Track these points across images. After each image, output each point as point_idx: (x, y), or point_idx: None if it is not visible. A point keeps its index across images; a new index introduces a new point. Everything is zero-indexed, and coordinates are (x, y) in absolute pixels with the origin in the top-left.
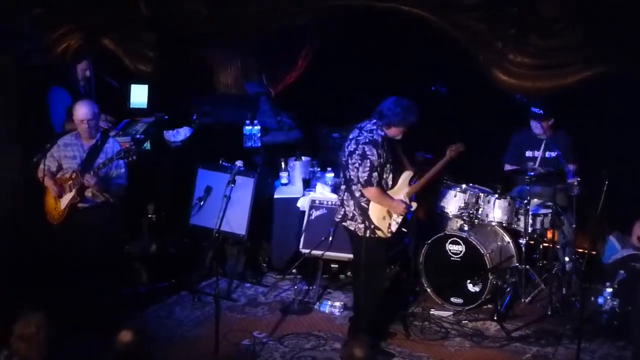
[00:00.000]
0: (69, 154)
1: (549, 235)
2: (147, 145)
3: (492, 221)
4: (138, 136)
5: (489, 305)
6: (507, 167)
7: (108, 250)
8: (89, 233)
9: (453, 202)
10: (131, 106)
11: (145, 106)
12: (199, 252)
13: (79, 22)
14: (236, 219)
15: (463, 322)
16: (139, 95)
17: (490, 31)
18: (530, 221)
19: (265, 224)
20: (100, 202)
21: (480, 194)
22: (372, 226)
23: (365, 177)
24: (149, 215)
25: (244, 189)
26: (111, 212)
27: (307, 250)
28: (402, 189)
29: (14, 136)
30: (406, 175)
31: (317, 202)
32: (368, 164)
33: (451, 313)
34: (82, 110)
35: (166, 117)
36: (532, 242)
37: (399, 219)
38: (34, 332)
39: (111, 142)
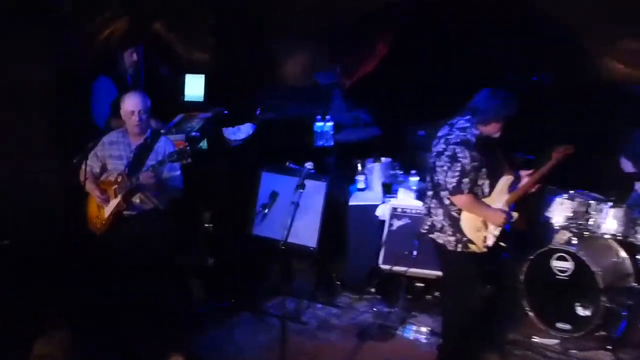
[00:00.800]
0: (115, 154)
1: None
2: (204, 144)
3: (605, 233)
4: (193, 134)
5: (602, 332)
6: (628, 167)
7: (158, 264)
8: (137, 244)
9: (559, 211)
10: (186, 99)
11: (201, 99)
12: (263, 268)
13: (125, 5)
14: (306, 229)
15: (571, 351)
16: (194, 87)
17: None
18: None
19: (339, 235)
20: (149, 209)
21: (591, 201)
22: (465, 239)
23: (454, 183)
24: (206, 225)
25: (315, 195)
26: (162, 220)
27: (387, 266)
28: (500, 197)
29: (52, 134)
30: (505, 181)
31: (399, 210)
32: (458, 168)
33: (557, 341)
34: (132, 100)
35: (225, 111)
36: None
37: (497, 231)
38: (54, 352)
39: (163, 141)
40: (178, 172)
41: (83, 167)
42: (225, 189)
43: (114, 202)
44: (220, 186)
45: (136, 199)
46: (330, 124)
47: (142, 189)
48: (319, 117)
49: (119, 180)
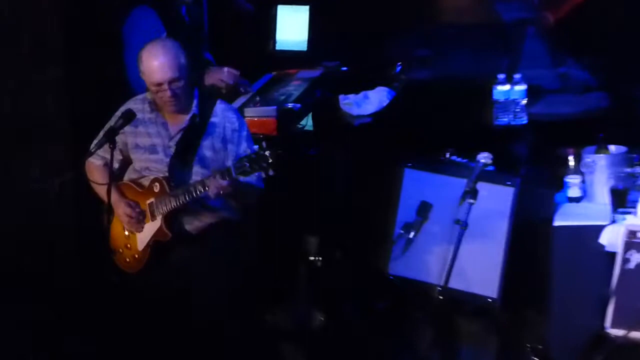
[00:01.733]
0: (143, 141)
1: None
2: (307, 121)
3: None
4: (290, 105)
5: None
6: None
7: (232, 324)
8: (194, 281)
9: None
10: (277, 48)
11: (304, 48)
12: (407, 328)
13: None
14: (479, 268)
15: None
16: (291, 28)
17: None
18: None
19: (536, 277)
20: (212, 224)
21: None
22: None
23: None
24: (311, 258)
25: (495, 209)
26: (234, 242)
27: (620, 331)
28: None
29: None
30: None
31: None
32: None
33: None
34: (156, 61)
35: (344, 67)
36: None
37: None
38: None
39: (221, 114)
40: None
41: (100, 159)
42: (341, 197)
43: (151, 227)
44: (333, 193)
45: (190, 217)
46: (520, 87)
47: (198, 204)
48: (501, 76)
49: (155, 189)
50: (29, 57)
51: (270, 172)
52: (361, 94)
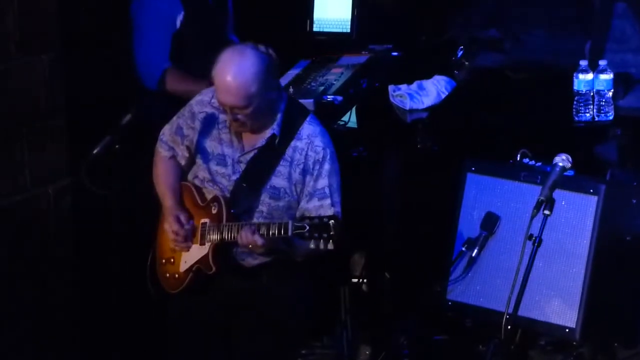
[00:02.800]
0: (212, 145)
1: None
2: (350, 117)
3: None
4: (330, 97)
5: None
6: None
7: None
8: (238, 322)
9: None
10: (315, 29)
11: (347, 29)
12: None
13: None
14: (555, 292)
15: None
16: (332, 5)
17: None
18: None
19: (626, 302)
20: (268, 262)
21: None
22: None
23: None
24: (355, 280)
25: (575, 221)
26: (294, 286)
27: None
28: None
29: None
30: None
31: None
32: None
33: None
34: (222, 79)
35: (394, 52)
36: None
37: None
38: None
39: (307, 138)
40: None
41: (168, 149)
42: (391, 209)
43: (197, 251)
44: (381, 203)
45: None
46: (606, 76)
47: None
48: (583, 62)
49: (213, 209)
50: (15, 39)
51: (330, 246)
52: (415, 84)
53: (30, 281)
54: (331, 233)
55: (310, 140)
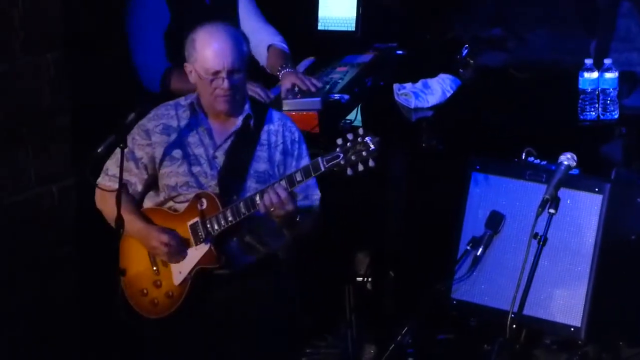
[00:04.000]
0: (180, 152)
1: None
2: (355, 115)
3: None
4: (336, 96)
5: None
6: None
7: None
8: (234, 326)
9: None
10: (320, 28)
11: (352, 27)
12: None
13: None
14: (560, 291)
15: None
16: (337, 3)
17: None
18: None
19: (631, 301)
20: (262, 257)
21: None
22: None
23: None
24: (359, 279)
25: (580, 220)
26: (281, 278)
27: None
28: None
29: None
30: None
31: None
32: None
33: None
34: (215, 45)
35: (399, 51)
36: None
37: None
38: None
39: (277, 120)
40: (315, 187)
41: (116, 180)
42: (396, 207)
43: (193, 254)
44: (386, 201)
45: (237, 243)
46: (611, 75)
47: (251, 227)
48: (588, 61)
49: (201, 206)
50: (19, 39)
51: (371, 163)
52: (420, 83)
53: (33, 280)
54: (371, 148)
55: (282, 122)
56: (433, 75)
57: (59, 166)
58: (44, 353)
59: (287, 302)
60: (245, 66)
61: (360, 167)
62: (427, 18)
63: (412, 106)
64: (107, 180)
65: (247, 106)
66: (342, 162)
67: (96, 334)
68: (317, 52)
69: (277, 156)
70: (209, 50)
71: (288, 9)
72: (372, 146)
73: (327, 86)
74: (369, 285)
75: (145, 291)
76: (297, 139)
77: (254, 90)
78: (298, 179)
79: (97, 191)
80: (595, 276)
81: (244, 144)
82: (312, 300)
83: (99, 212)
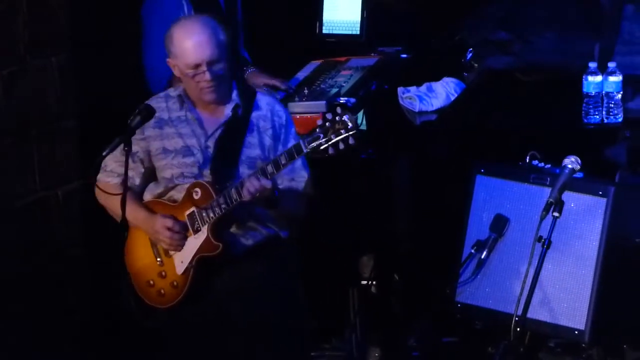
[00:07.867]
0: (173, 143)
1: None
2: (360, 119)
3: None
4: (343, 100)
5: None
6: None
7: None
8: (238, 311)
9: None
10: (325, 31)
11: (356, 31)
12: None
13: None
14: (565, 294)
15: None
16: (341, 7)
17: None
18: None
19: (635, 305)
20: (259, 241)
21: None
22: None
23: None
24: (364, 282)
25: (584, 223)
26: (287, 264)
27: None
28: None
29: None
30: None
31: None
32: None
33: None
34: (191, 39)
35: (404, 54)
36: None
37: None
38: None
39: (266, 104)
40: (302, 169)
41: (116, 176)
42: (401, 210)
43: (193, 243)
44: (391, 204)
45: (236, 228)
46: (615, 78)
47: (247, 210)
48: (592, 64)
49: (196, 195)
50: (25, 42)
51: (351, 141)
52: (424, 87)
53: (39, 282)
54: (349, 126)
55: (270, 107)
56: (437, 78)
57: (65, 168)
58: (49, 353)
59: (292, 282)
60: (225, 54)
61: (342, 146)
62: (432, 21)
63: (417, 110)
64: (106, 176)
65: (234, 94)
66: (322, 142)
67: (104, 335)
68: (321, 55)
69: (267, 141)
70: (186, 44)
71: (293, 13)
72: (349, 124)
73: (333, 89)
74: (373, 289)
75: (151, 282)
76: (284, 123)
77: (274, 83)
78: (282, 162)
79: (98, 187)
80: (599, 279)
81: (234, 131)
82: (317, 303)
83: (105, 214)
